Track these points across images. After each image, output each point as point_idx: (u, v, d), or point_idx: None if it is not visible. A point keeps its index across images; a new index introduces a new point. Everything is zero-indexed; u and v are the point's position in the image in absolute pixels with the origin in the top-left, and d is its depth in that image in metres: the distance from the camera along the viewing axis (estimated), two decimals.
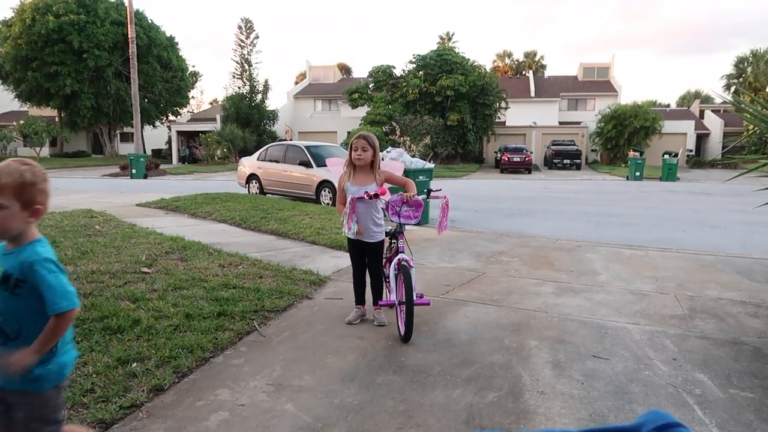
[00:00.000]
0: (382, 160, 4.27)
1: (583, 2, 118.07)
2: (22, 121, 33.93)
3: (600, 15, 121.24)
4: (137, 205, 11.11)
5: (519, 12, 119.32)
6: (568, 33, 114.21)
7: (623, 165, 31.55)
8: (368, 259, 4.09)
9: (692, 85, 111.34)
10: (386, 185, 4.06)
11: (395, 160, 8.85)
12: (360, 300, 4.19)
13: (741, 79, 44.00)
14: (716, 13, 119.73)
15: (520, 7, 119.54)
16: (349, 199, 3.81)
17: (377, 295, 4.13)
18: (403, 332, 3.68)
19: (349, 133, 33.06)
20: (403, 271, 3.74)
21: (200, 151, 35.18)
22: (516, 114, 39.13)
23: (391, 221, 3.99)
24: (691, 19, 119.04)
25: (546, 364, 3.36)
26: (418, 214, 3.98)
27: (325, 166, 11.87)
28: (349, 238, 4.03)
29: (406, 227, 4.19)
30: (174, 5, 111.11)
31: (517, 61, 62.94)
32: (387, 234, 4.14)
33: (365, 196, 3.77)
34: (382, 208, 4.03)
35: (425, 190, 4.22)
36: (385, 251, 4.27)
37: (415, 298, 3.68)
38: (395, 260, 3.90)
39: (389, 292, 4.07)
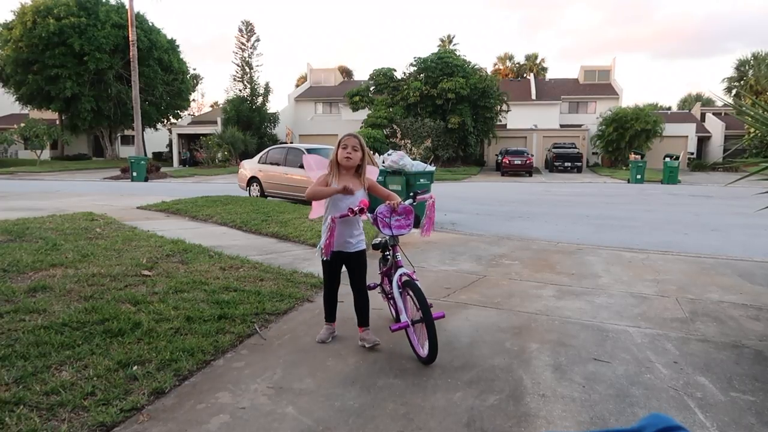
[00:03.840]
0: (383, 163, 4.04)
1: (578, 6, 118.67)
2: (22, 124, 33.96)
3: (594, 18, 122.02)
4: (138, 207, 11.13)
5: (516, 16, 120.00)
6: (566, 37, 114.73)
7: (624, 168, 31.57)
8: (351, 273, 3.69)
9: (693, 88, 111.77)
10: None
11: (393, 162, 8.80)
12: (331, 316, 3.82)
13: (742, 82, 44.00)
14: (711, 17, 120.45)
15: (516, 11, 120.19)
16: (329, 219, 3.45)
17: (364, 316, 3.72)
18: (426, 354, 3.32)
19: None
20: (410, 286, 3.42)
21: (201, 153, 35.27)
22: (517, 117, 39.18)
23: (383, 234, 3.64)
24: (686, 23, 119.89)
25: (547, 368, 3.36)
26: (410, 222, 3.66)
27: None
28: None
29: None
30: (175, 8, 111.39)
31: (518, 64, 62.98)
32: (378, 247, 3.84)
33: (349, 213, 3.40)
34: (366, 220, 3.71)
35: (410, 194, 3.86)
36: (379, 266, 3.98)
37: None
38: (396, 276, 3.53)
39: (399, 313, 3.55)
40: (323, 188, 3.53)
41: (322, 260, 3.61)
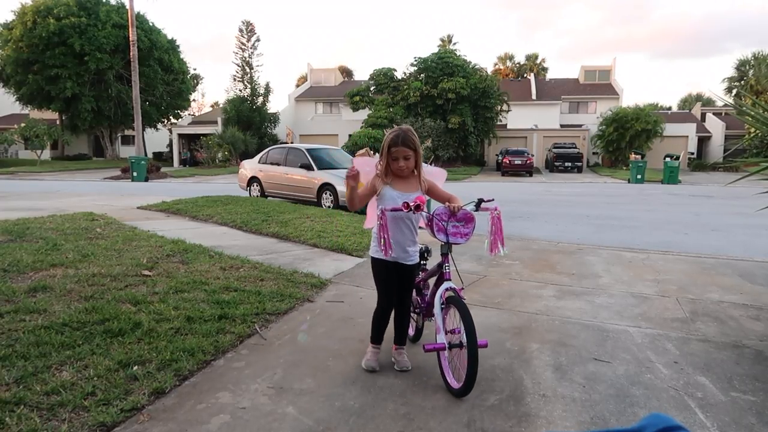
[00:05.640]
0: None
1: (576, 6, 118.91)
2: (23, 124, 34.02)
3: (592, 18, 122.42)
4: (138, 207, 11.13)
5: (513, 16, 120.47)
6: (564, 37, 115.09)
7: (624, 168, 31.59)
8: (399, 288, 3.27)
9: (693, 88, 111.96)
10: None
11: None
12: (378, 338, 3.38)
13: (742, 82, 43.99)
14: (708, 17, 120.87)
15: (513, 11, 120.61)
16: (379, 210, 3.05)
17: (402, 334, 3.40)
18: (460, 385, 2.92)
19: (350, 136, 33.09)
20: (456, 304, 3.00)
21: (201, 153, 35.31)
22: (517, 117, 39.21)
23: (437, 239, 3.16)
24: (684, 23, 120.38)
25: (547, 368, 3.35)
26: (468, 231, 3.19)
27: (326, 169, 11.98)
28: (378, 259, 3.18)
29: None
30: (174, 8, 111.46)
31: (519, 64, 63.05)
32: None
33: (403, 207, 2.95)
34: (420, 226, 3.26)
35: (477, 199, 3.33)
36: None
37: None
38: (441, 290, 3.10)
39: (437, 332, 3.10)
40: (356, 192, 3.14)
41: (374, 270, 3.27)
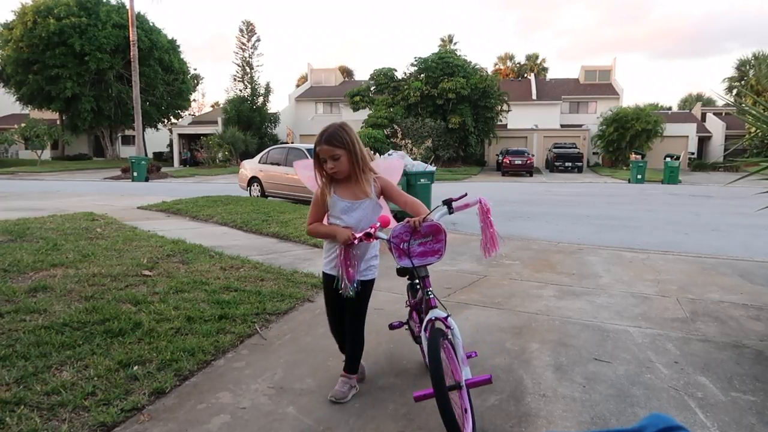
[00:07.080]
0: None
1: (574, 6, 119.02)
2: (23, 124, 34.04)
3: (591, 18, 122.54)
4: (138, 208, 11.14)
5: (512, 16, 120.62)
6: (563, 37, 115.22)
7: (625, 168, 31.60)
8: (349, 310, 2.84)
9: (693, 88, 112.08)
10: (383, 202, 2.83)
11: (391, 158, 8.49)
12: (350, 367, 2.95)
13: (743, 82, 43.97)
14: (707, 17, 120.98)
15: (512, 11, 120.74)
16: (338, 248, 2.65)
17: (351, 359, 2.89)
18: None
19: None
20: (431, 339, 2.44)
21: (201, 153, 35.32)
22: (517, 117, 39.22)
23: (401, 265, 2.65)
24: (683, 23, 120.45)
25: (547, 368, 3.35)
26: (439, 246, 2.59)
27: None
28: (329, 275, 2.80)
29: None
30: (173, 8, 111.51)
31: (519, 63, 63.06)
32: (404, 272, 2.97)
33: (355, 240, 2.54)
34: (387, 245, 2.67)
35: (442, 202, 2.72)
36: (408, 295, 3.28)
37: (465, 375, 2.44)
38: (425, 321, 2.61)
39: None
40: (322, 228, 2.76)
41: (323, 287, 2.92)
